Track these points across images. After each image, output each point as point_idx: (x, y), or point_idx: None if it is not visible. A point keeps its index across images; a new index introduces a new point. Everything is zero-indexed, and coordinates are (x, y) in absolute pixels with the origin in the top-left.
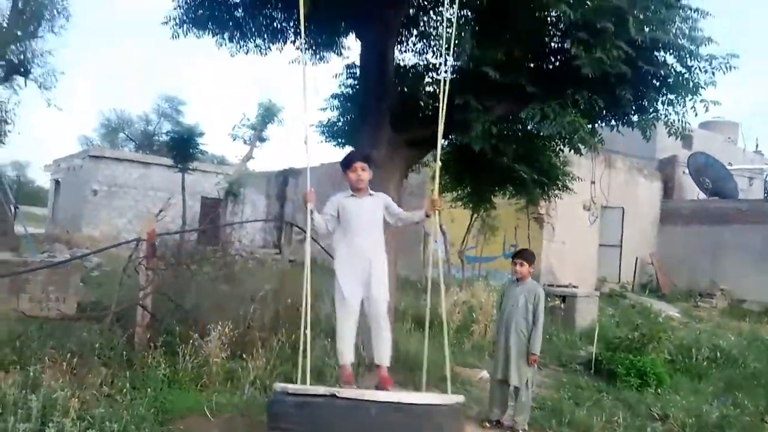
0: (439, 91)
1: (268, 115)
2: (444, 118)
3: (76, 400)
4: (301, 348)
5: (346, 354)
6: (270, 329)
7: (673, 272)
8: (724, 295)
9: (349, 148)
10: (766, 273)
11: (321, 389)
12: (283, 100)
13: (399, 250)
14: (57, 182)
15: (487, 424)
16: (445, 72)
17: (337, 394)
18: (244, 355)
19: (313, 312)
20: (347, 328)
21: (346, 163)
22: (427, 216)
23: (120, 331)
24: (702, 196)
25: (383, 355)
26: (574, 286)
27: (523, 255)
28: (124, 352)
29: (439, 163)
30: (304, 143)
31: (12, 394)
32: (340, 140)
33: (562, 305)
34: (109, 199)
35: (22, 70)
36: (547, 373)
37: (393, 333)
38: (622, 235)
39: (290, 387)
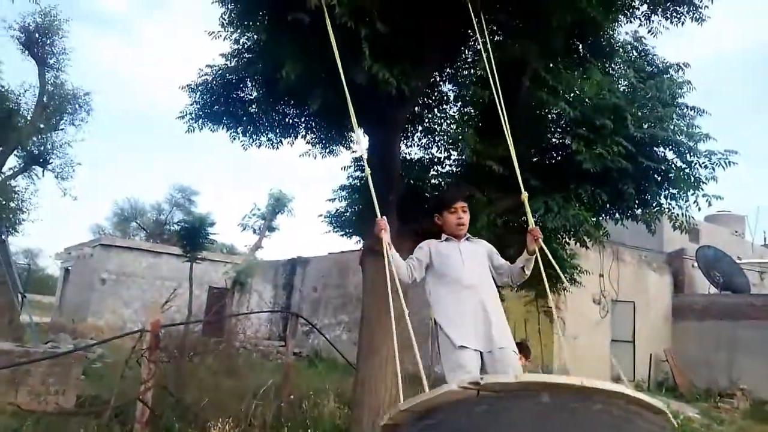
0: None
1: (278, 205)
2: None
3: None
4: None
5: None
6: (272, 428)
7: (689, 369)
8: (745, 395)
9: (356, 239)
10: None
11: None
12: (294, 191)
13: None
14: (66, 270)
15: None
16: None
17: (482, 382)
18: None
19: (317, 410)
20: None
21: (447, 203)
22: (531, 253)
23: (119, 426)
24: (713, 290)
25: None
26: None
27: (521, 348)
28: None
29: (526, 194)
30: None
31: None
32: (347, 230)
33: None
34: (116, 288)
35: (41, 161)
36: None
37: None
38: (634, 330)
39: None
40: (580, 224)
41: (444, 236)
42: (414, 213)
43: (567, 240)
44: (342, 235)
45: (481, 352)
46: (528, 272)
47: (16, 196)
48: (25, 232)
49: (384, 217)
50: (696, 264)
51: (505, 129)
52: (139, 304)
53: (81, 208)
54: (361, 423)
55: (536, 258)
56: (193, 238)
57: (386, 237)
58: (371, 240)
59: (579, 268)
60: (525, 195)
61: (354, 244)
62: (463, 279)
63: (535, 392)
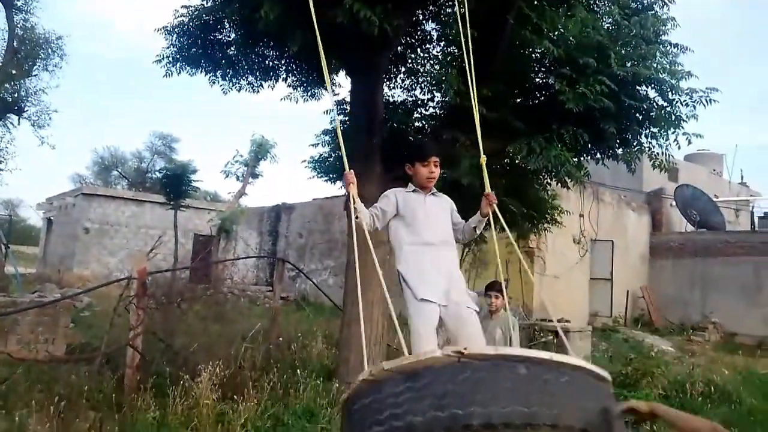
0: (428, 126)
1: (260, 151)
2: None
3: None
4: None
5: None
6: (261, 369)
7: (664, 306)
8: (716, 328)
9: (340, 184)
10: (757, 306)
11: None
12: (276, 136)
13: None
14: (49, 221)
15: None
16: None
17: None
18: (235, 396)
19: (306, 351)
20: (429, 328)
21: (423, 155)
22: (484, 216)
23: (109, 373)
24: (690, 228)
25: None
26: (567, 321)
27: (497, 287)
28: (114, 395)
29: (485, 157)
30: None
31: None
32: (331, 175)
33: (556, 341)
34: (100, 238)
35: (16, 108)
36: None
37: None
38: (612, 269)
39: (389, 366)
40: (561, 165)
41: (411, 186)
42: (397, 157)
43: (548, 181)
44: (326, 181)
45: (440, 305)
46: (479, 232)
47: None
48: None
49: (351, 170)
50: (674, 203)
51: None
52: (124, 253)
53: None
54: (348, 362)
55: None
56: (175, 185)
57: (353, 190)
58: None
59: (560, 209)
60: (483, 158)
61: (338, 189)
62: (427, 233)
63: (512, 364)
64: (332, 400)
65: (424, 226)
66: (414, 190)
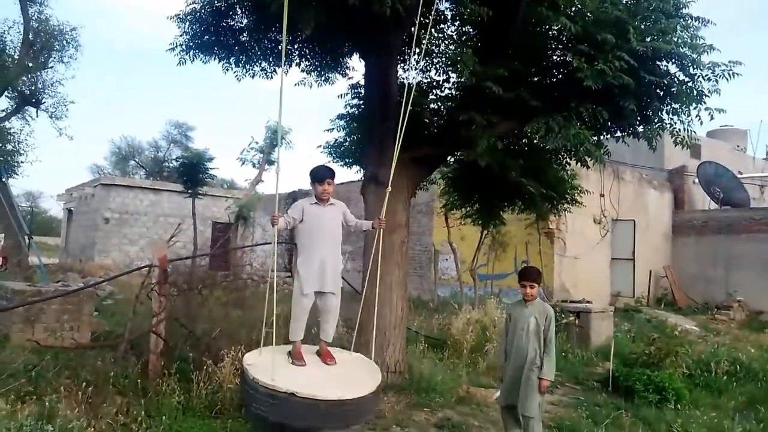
0: (444, 108)
1: (275, 137)
2: (445, 133)
3: (92, 429)
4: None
5: (299, 334)
6: None
7: (688, 285)
8: (741, 306)
9: (356, 168)
10: None
11: (283, 388)
12: (290, 122)
13: (410, 270)
14: (69, 211)
15: None
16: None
17: (296, 394)
18: None
19: None
20: (302, 315)
21: (320, 178)
22: (373, 228)
23: (134, 359)
24: (713, 206)
25: (329, 333)
26: (588, 302)
27: (532, 275)
28: (139, 381)
29: (389, 188)
30: (275, 173)
31: (29, 425)
32: (347, 160)
33: (577, 322)
34: (120, 227)
35: (33, 100)
36: (563, 391)
37: (406, 354)
38: (634, 248)
39: (261, 381)
40: (580, 144)
41: (314, 199)
42: (413, 140)
43: (568, 160)
44: (342, 165)
45: (316, 292)
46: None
47: (11, 138)
48: (25, 174)
49: (277, 212)
50: (696, 180)
51: None
52: (144, 242)
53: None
54: (368, 345)
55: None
56: (192, 173)
57: (277, 226)
58: (372, 168)
59: (579, 189)
60: (388, 190)
61: (354, 174)
62: (319, 234)
63: (315, 402)
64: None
65: (317, 231)
66: (315, 203)
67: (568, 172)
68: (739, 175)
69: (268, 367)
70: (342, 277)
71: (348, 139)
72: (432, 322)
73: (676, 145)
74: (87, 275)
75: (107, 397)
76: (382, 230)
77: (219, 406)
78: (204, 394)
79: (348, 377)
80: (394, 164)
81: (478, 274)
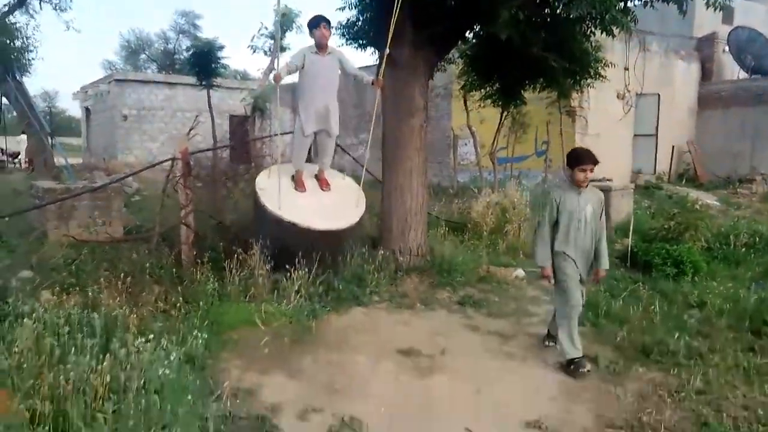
0: None
1: (285, 22)
2: (463, 5)
3: (135, 316)
4: None
5: (300, 165)
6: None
7: (711, 160)
8: (765, 180)
9: (370, 50)
10: None
11: (287, 217)
12: (299, 4)
13: (429, 156)
14: (87, 110)
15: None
16: None
17: (296, 224)
18: (287, 266)
19: None
20: (304, 149)
21: (314, 23)
22: (372, 84)
23: (167, 250)
24: (743, 76)
25: (325, 164)
26: (609, 180)
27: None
28: (174, 270)
29: (387, 50)
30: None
31: (76, 314)
32: (361, 41)
33: None
34: (139, 123)
35: None
36: None
37: (428, 238)
38: (657, 124)
39: (270, 209)
40: (606, 10)
41: (314, 48)
42: (428, 17)
43: (592, 30)
44: (356, 47)
45: (316, 132)
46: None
47: (18, 33)
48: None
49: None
50: (727, 48)
51: None
52: (164, 137)
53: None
54: (391, 231)
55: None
56: (205, 64)
57: (280, 80)
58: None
59: (604, 61)
60: (387, 51)
61: (369, 56)
62: (318, 81)
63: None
64: (378, 266)
65: (318, 77)
66: (315, 51)
67: (592, 43)
68: None
69: (275, 194)
70: (361, 165)
71: (361, 18)
72: (452, 207)
73: (708, 8)
74: (112, 173)
75: (145, 287)
76: (399, 117)
77: (252, 292)
78: (237, 281)
79: (338, 208)
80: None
81: (497, 158)
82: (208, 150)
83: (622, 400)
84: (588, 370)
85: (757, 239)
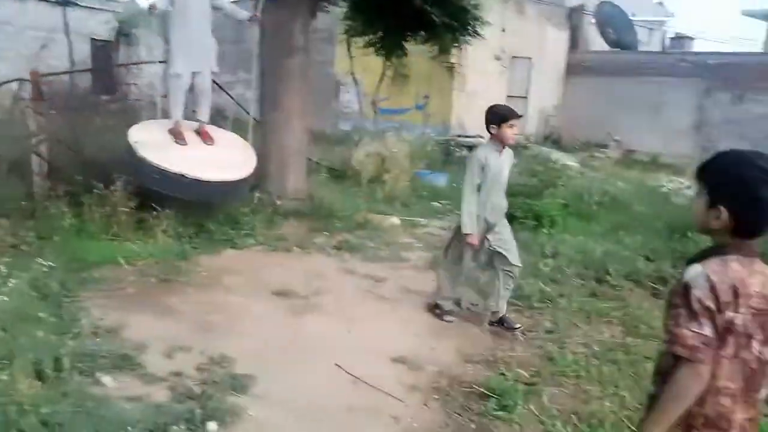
0: None
1: None
2: None
3: None
4: None
5: (177, 114)
6: None
7: (575, 124)
8: (618, 145)
9: None
10: (656, 124)
11: (175, 169)
12: None
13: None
14: None
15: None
16: None
17: (185, 175)
18: (153, 204)
19: None
20: (180, 94)
21: None
22: (249, 20)
23: (18, 180)
24: (606, 47)
25: (204, 114)
26: (481, 137)
27: (516, 113)
28: (23, 203)
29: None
30: None
31: None
32: None
33: (468, 155)
34: None
35: None
36: (453, 218)
37: (308, 183)
38: (528, 87)
39: (154, 162)
40: None
41: None
42: None
43: None
44: None
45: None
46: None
47: None
48: None
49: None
50: (594, 20)
51: None
52: (13, 54)
53: None
54: (269, 173)
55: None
56: None
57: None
58: None
59: (481, 20)
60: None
61: None
62: (190, 14)
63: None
64: (254, 208)
65: (188, 11)
66: None
67: (471, 1)
68: (632, 17)
69: (156, 147)
70: (239, 104)
71: None
72: (333, 154)
73: None
74: None
75: None
76: (279, 55)
77: (115, 229)
78: (98, 217)
79: (227, 160)
80: None
81: (379, 108)
82: (64, 73)
83: (482, 338)
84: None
85: (607, 198)
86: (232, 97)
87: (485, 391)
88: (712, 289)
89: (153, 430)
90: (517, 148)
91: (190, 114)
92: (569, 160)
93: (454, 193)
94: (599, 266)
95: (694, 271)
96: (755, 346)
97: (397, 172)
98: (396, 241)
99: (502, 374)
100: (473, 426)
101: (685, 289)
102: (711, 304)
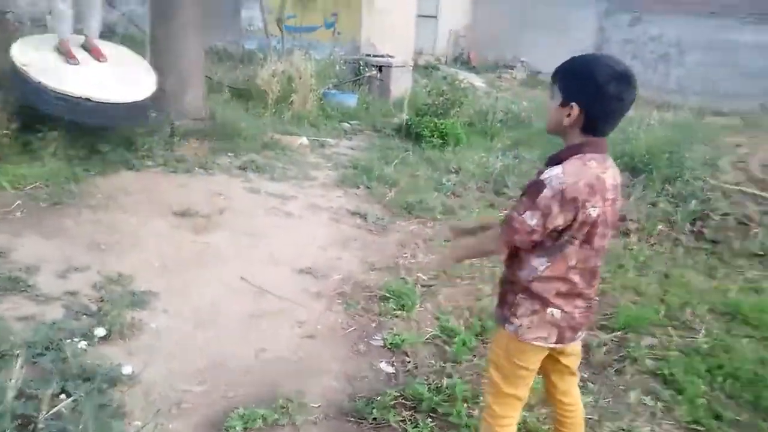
0: None
1: None
2: None
3: None
4: None
5: (65, 32)
6: None
7: (484, 45)
8: (524, 66)
9: None
10: (561, 45)
11: (77, 93)
12: None
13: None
14: None
15: None
16: None
17: (90, 98)
18: (38, 126)
19: None
20: (66, 10)
21: None
22: None
23: None
24: None
25: (93, 28)
26: (391, 57)
27: None
28: None
29: None
30: None
31: None
32: None
33: (379, 75)
34: None
35: None
36: (362, 137)
37: (209, 102)
38: (439, 6)
39: (51, 86)
40: None
41: None
42: None
43: None
44: None
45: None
46: None
47: None
48: None
49: None
50: None
51: None
52: None
53: None
54: (165, 91)
55: None
56: None
57: None
58: None
59: None
60: None
61: None
62: None
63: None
64: (151, 128)
65: None
66: None
67: None
68: None
69: (48, 69)
70: (131, 20)
71: None
72: (237, 73)
73: None
74: None
75: None
76: None
77: None
78: None
79: (128, 78)
80: None
81: (285, 26)
82: None
83: (386, 248)
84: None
85: (510, 116)
86: (122, 13)
87: (386, 294)
88: (562, 192)
89: (48, 346)
90: (428, 68)
91: (77, 30)
92: (477, 81)
93: (366, 114)
94: (498, 180)
95: (553, 173)
96: (604, 232)
97: (305, 92)
98: (304, 161)
99: (403, 279)
100: (374, 325)
101: (539, 185)
102: (554, 205)
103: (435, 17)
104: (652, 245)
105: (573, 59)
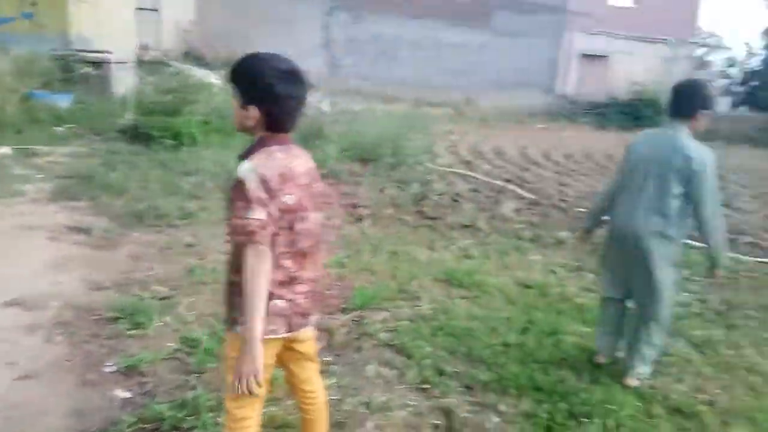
0: None
1: None
2: None
3: None
4: None
5: None
6: None
7: (214, 40)
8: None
9: None
10: (290, 41)
11: None
12: None
13: None
14: None
15: None
16: None
17: None
18: None
19: None
20: None
21: None
22: None
23: None
24: None
25: None
26: (109, 52)
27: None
28: None
29: None
30: None
31: None
32: None
33: (96, 72)
34: None
35: None
36: (80, 143)
37: None
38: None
39: None
40: None
41: None
42: None
43: None
44: None
45: None
46: None
47: None
48: None
49: None
50: None
51: None
52: None
53: None
54: None
55: None
56: None
57: None
58: None
59: None
60: None
61: None
62: None
63: None
64: None
65: None
66: None
67: None
68: None
69: None
70: None
71: None
72: None
73: None
74: None
75: None
76: None
77: None
78: None
79: None
80: None
81: None
82: None
83: (114, 263)
84: None
85: None
86: None
87: (117, 314)
88: (263, 180)
89: None
90: (155, 65)
91: None
92: (211, 78)
93: (83, 116)
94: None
95: (245, 167)
96: (309, 216)
97: (2, 93)
98: (8, 173)
99: (137, 295)
100: (104, 351)
101: (240, 183)
102: (262, 194)
103: (156, 10)
104: (384, 227)
105: (243, 60)
